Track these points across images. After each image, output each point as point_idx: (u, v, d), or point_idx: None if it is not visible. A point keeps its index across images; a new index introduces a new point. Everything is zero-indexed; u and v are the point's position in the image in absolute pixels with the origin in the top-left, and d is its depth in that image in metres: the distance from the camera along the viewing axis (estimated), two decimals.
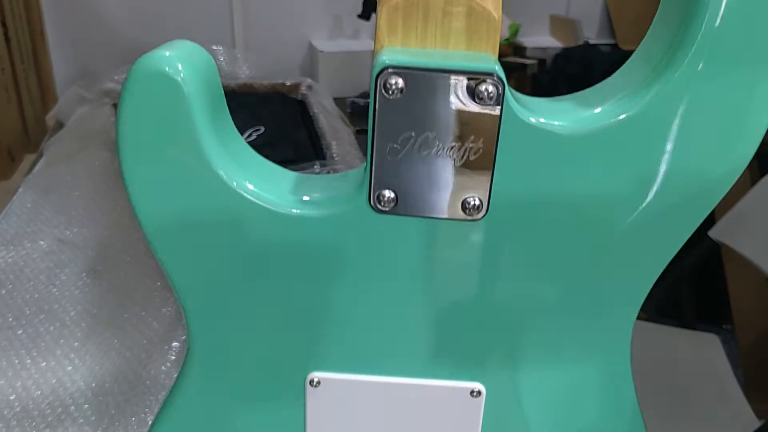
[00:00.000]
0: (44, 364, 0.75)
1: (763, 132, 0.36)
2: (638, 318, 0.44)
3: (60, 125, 1.23)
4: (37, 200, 1.00)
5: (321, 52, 1.80)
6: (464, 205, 0.37)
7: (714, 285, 1.14)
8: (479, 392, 0.43)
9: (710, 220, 0.95)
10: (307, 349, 0.42)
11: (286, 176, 0.42)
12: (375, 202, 0.37)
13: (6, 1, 1.13)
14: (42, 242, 0.93)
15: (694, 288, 1.00)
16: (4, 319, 0.81)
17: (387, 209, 0.38)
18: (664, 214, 0.38)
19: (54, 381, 0.73)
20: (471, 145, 0.36)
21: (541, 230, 0.39)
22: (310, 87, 1.56)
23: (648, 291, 0.41)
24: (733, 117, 0.36)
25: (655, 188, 0.38)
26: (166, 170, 0.37)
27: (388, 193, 0.37)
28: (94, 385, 0.73)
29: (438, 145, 0.36)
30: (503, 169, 0.37)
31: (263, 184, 0.39)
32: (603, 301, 0.41)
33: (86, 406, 0.70)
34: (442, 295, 0.41)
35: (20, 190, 1.04)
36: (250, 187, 0.38)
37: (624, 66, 0.39)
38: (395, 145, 0.36)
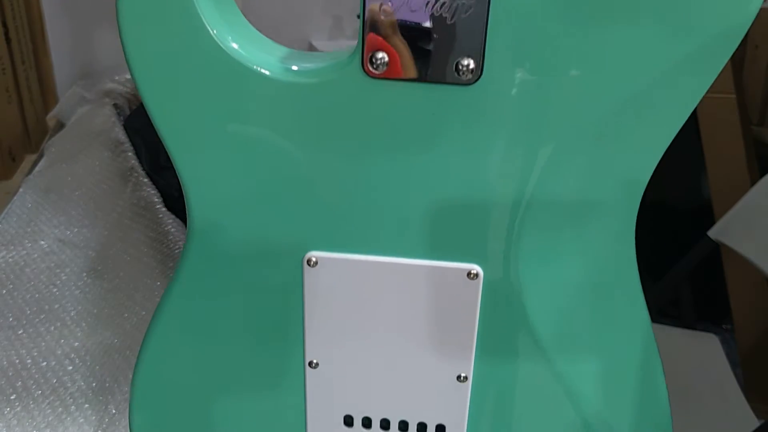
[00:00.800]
0: (45, 363, 0.75)
1: None
2: None
3: (60, 125, 1.23)
4: (37, 200, 1.01)
5: (321, 52, 1.80)
6: (458, 68, 0.36)
7: (714, 285, 1.14)
8: (477, 274, 0.42)
9: (710, 221, 0.95)
10: (303, 228, 0.42)
11: (282, 50, 0.41)
12: (368, 65, 0.37)
13: (6, 1, 1.13)
14: (42, 242, 0.93)
15: (693, 288, 1.00)
16: (4, 319, 0.81)
17: (380, 72, 0.37)
18: (673, 71, 0.36)
19: (54, 381, 0.73)
20: (463, 0, 0.35)
21: (537, 95, 0.37)
22: None
23: (652, 167, 0.38)
24: None
25: (660, 39, 0.35)
26: (164, 33, 0.37)
27: (381, 55, 0.36)
28: (94, 384, 0.73)
29: (430, 1, 0.35)
30: (496, 28, 0.36)
31: (260, 54, 0.39)
32: (606, 172, 0.39)
33: (86, 405, 0.70)
34: (439, 168, 0.39)
35: (21, 190, 1.04)
36: (245, 53, 0.38)
37: None
38: (387, 3, 0.36)
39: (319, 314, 0.44)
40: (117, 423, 0.69)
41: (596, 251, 0.41)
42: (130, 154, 1.07)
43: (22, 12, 1.20)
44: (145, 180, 1.01)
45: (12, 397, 0.71)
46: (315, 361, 0.45)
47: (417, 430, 0.47)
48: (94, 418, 0.69)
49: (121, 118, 1.20)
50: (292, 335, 0.45)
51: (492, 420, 0.47)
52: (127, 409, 0.69)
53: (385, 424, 0.47)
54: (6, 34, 1.13)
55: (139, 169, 1.03)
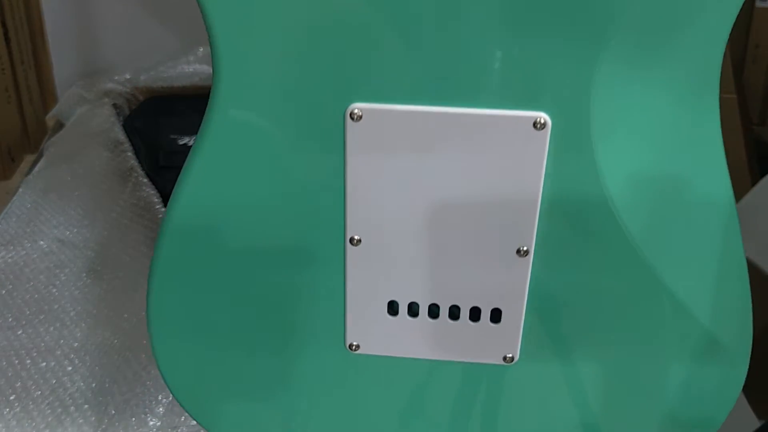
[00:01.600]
0: (44, 364, 0.75)
1: None
2: None
3: (60, 125, 1.23)
4: (36, 200, 1.00)
5: None
6: None
7: None
8: (544, 124, 0.36)
9: None
10: (346, 76, 0.36)
11: None
12: None
13: (6, 1, 1.13)
14: (42, 242, 0.93)
15: None
16: (3, 319, 0.81)
17: None
18: None
19: (54, 381, 0.73)
20: None
21: None
22: None
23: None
24: None
25: None
26: None
27: None
28: (94, 385, 0.73)
29: None
30: None
31: None
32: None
33: (86, 406, 0.70)
34: None
35: (20, 190, 1.04)
36: None
37: None
38: None
39: (363, 180, 0.38)
40: (117, 423, 0.69)
41: (679, 95, 0.36)
42: (129, 154, 1.07)
43: (21, 12, 1.20)
44: (145, 180, 1.01)
45: (11, 398, 0.71)
46: (357, 238, 0.40)
47: (469, 316, 0.42)
48: (93, 419, 0.69)
49: (121, 118, 1.19)
50: (332, 207, 0.40)
51: (554, 303, 0.41)
52: (127, 411, 0.69)
53: (433, 311, 0.42)
54: (5, 34, 1.13)
55: (139, 169, 1.03)
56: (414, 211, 0.39)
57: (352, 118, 0.37)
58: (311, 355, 0.45)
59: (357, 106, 0.37)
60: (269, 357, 0.45)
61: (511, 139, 0.37)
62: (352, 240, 0.40)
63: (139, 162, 1.05)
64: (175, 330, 0.46)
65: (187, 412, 0.49)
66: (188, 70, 1.25)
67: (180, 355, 0.46)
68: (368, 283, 0.41)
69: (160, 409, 0.70)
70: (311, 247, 0.41)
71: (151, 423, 0.68)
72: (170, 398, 0.70)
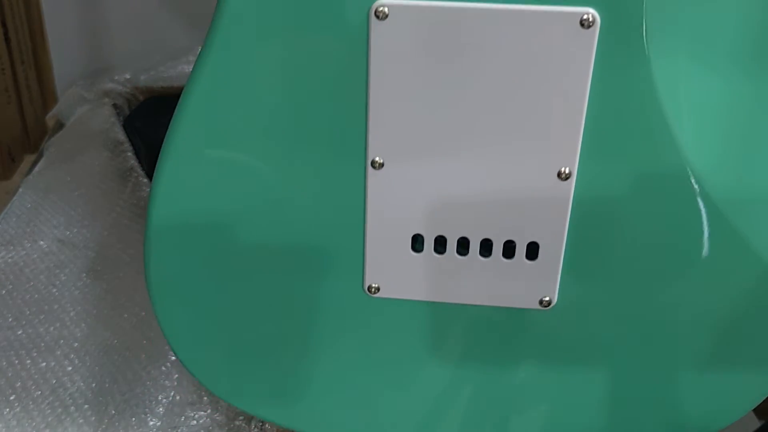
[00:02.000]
0: (44, 364, 0.75)
1: None
2: None
3: (60, 125, 1.23)
4: (36, 201, 1.00)
5: None
6: None
7: None
8: (592, 21, 0.32)
9: None
10: None
11: None
12: None
13: (6, 1, 1.13)
14: (42, 242, 0.93)
15: None
16: (3, 319, 0.81)
17: None
18: None
19: (54, 381, 0.73)
20: None
21: None
22: None
23: None
24: None
25: None
26: None
27: None
28: (93, 385, 0.73)
29: None
30: None
31: None
32: None
33: (86, 406, 0.70)
34: None
35: (20, 190, 1.04)
36: None
37: None
38: None
39: (388, 91, 0.34)
40: (117, 423, 0.69)
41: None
42: (129, 154, 1.07)
43: (21, 12, 1.20)
44: (145, 180, 1.01)
45: (11, 398, 0.71)
46: (379, 161, 0.36)
47: (503, 252, 0.38)
48: (93, 418, 0.69)
49: (121, 118, 1.19)
50: (351, 124, 0.36)
51: (598, 235, 0.37)
52: (127, 411, 0.69)
53: (462, 246, 0.39)
54: (5, 34, 1.13)
55: (139, 169, 1.03)
56: (444, 127, 0.35)
57: (378, 17, 0.33)
58: (325, 302, 0.41)
59: (383, 2, 0.33)
60: (279, 314, 0.42)
61: (553, 40, 0.33)
62: (373, 163, 0.36)
63: (139, 162, 1.05)
64: (179, 295, 0.43)
65: (200, 382, 0.47)
66: (188, 70, 1.24)
67: (185, 319, 0.44)
68: (390, 213, 0.37)
69: (160, 409, 0.70)
70: (327, 176, 0.37)
71: (151, 423, 0.68)
72: (170, 398, 0.70)
